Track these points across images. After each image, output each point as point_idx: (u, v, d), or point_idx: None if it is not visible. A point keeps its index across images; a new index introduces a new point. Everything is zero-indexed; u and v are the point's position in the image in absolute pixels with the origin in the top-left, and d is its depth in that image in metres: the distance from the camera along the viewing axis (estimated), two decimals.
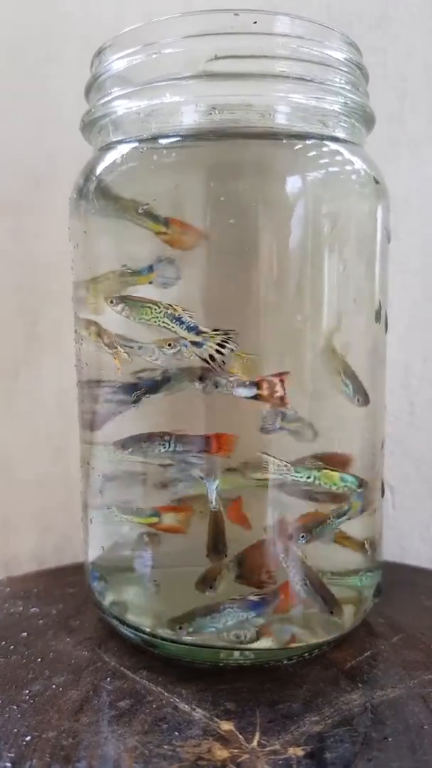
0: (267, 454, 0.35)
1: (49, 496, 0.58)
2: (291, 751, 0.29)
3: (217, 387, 0.34)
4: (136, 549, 0.38)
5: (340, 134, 0.37)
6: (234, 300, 0.36)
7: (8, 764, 0.28)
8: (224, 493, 0.36)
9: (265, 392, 0.34)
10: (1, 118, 0.55)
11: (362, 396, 0.38)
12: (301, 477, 0.35)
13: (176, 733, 0.30)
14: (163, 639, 0.36)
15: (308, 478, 0.35)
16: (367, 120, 0.38)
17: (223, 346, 0.34)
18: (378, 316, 0.39)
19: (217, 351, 0.34)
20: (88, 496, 0.41)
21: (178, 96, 0.35)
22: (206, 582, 0.35)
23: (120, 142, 0.37)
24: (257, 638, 0.35)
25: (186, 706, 0.33)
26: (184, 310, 0.34)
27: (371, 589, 0.40)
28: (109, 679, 0.35)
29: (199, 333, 0.34)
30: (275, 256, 0.35)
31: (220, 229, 0.35)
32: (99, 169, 0.37)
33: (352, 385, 0.37)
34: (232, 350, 0.34)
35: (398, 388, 0.54)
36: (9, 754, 0.29)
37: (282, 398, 0.34)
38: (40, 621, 0.42)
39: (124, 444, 0.37)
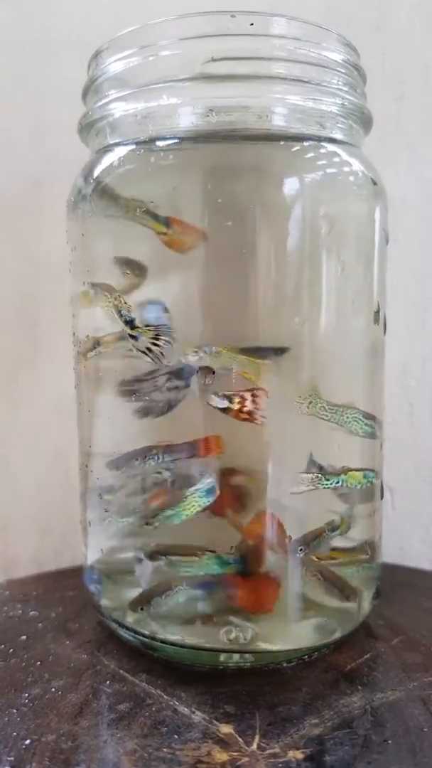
0: (306, 472, 0.36)
1: (48, 499, 0.58)
2: (291, 754, 0.29)
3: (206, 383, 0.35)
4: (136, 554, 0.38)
5: (338, 136, 0.37)
6: (232, 302, 0.36)
7: None
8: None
9: (235, 406, 0.34)
10: None
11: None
12: (331, 484, 0.37)
13: (176, 736, 0.30)
14: (162, 642, 0.36)
15: (337, 483, 0.37)
16: (365, 121, 0.39)
17: (157, 340, 0.34)
18: (376, 318, 0.39)
19: (153, 343, 0.34)
20: (87, 499, 0.41)
21: (175, 98, 0.35)
22: (140, 602, 0.36)
23: (117, 144, 0.37)
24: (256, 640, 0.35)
25: (185, 709, 0.32)
26: (124, 303, 0.35)
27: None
28: (108, 682, 0.35)
29: (133, 327, 0.35)
30: (273, 258, 0.35)
31: (218, 231, 0.35)
32: (96, 172, 0.37)
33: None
34: (168, 342, 0.34)
35: (397, 389, 0.54)
36: (8, 758, 0.29)
37: (251, 413, 0.34)
38: (39, 624, 0.41)
39: (117, 464, 0.38)
